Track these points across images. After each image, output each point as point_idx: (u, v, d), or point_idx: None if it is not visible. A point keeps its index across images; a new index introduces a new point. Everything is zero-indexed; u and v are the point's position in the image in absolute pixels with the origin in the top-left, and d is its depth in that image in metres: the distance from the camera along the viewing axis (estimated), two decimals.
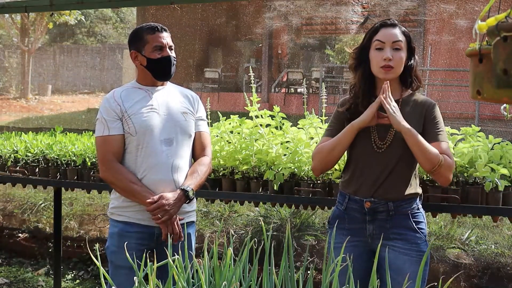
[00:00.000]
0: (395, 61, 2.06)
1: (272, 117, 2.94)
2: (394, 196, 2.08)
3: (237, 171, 2.91)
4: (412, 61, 2.13)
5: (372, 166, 2.10)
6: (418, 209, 2.13)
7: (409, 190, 2.09)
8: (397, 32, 2.10)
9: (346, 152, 2.22)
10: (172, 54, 2.34)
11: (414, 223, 2.09)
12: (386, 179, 2.08)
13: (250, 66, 3.55)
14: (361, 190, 2.12)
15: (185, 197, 2.23)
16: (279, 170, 2.72)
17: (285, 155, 2.80)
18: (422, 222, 2.12)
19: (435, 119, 2.10)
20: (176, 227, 2.23)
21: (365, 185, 2.10)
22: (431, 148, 2.03)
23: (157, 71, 2.33)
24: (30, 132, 3.96)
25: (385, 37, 2.08)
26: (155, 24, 2.33)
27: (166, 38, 2.32)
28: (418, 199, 2.14)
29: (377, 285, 1.31)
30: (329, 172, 2.70)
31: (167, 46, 2.31)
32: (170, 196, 2.20)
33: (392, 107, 2.02)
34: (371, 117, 2.06)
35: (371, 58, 2.11)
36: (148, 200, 2.18)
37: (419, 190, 2.16)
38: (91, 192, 4.20)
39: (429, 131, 2.09)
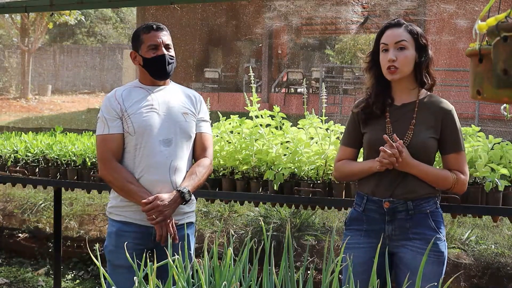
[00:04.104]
0: (399, 62, 2.05)
1: (272, 117, 2.94)
2: (413, 195, 2.07)
3: (237, 171, 2.91)
4: (423, 58, 2.10)
5: None
6: (437, 208, 2.12)
7: (427, 189, 2.08)
8: (401, 32, 2.08)
9: (362, 152, 2.24)
10: (169, 53, 2.31)
11: (433, 223, 2.08)
12: (404, 179, 2.07)
13: (250, 66, 3.55)
14: (379, 190, 2.10)
15: (181, 198, 2.21)
16: (279, 170, 2.72)
17: (285, 155, 2.80)
18: (440, 221, 2.11)
19: (453, 127, 2.09)
20: (171, 228, 2.21)
21: (383, 185, 2.09)
22: (443, 174, 2.07)
23: (153, 70, 2.31)
24: (30, 132, 3.96)
25: (388, 39, 2.08)
26: (152, 23, 2.32)
27: (162, 36, 2.30)
28: (436, 197, 2.13)
29: (377, 285, 1.31)
30: (329, 172, 2.70)
31: (163, 45, 2.29)
32: (166, 197, 2.18)
33: (392, 162, 2.00)
34: (378, 167, 2.06)
35: (380, 60, 2.12)
36: (143, 201, 2.16)
37: (437, 189, 2.14)
38: (91, 192, 4.20)
39: (447, 140, 2.08)
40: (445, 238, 2.12)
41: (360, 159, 2.29)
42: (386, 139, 2.02)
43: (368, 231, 2.12)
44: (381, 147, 2.02)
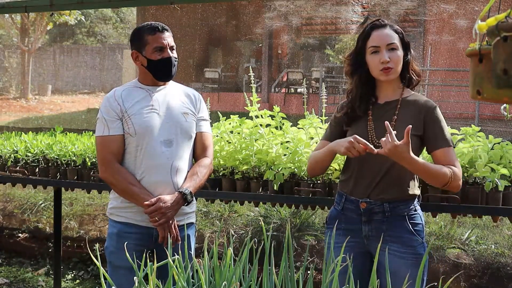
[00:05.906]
0: (393, 62, 2.05)
1: (272, 117, 2.94)
2: (390, 197, 2.06)
3: (237, 171, 2.91)
4: (408, 56, 2.11)
5: (369, 166, 2.08)
6: (415, 210, 2.10)
7: (406, 191, 2.07)
8: (389, 33, 2.08)
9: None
10: (173, 54, 2.30)
11: (410, 225, 2.06)
12: (382, 180, 2.06)
13: (250, 66, 3.55)
14: (357, 190, 2.10)
15: (183, 199, 2.21)
16: (279, 170, 2.72)
17: (285, 155, 2.80)
18: (419, 224, 2.09)
19: (438, 123, 2.06)
20: (173, 230, 2.21)
21: (361, 185, 2.09)
22: (439, 169, 2.00)
23: (158, 72, 2.30)
24: (30, 132, 3.96)
25: (379, 41, 2.06)
26: (156, 24, 2.29)
27: (167, 38, 2.29)
28: (415, 200, 2.12)
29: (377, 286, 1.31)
30: (329, 172, 2.70)
31: (168, 47, 2.28)
32: (168, 198, 2.18)
33: (388, 149, 1.93)
34: (343, 150, 2.00)
35: (368, 62, 2.10)
36: (146, 203, 2.15)
37: (417, 191, 2.12)
38: (91, 192, 4.20)
39: (434, 136, 2.06)
40: (424, 240, 2.09)
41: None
42: (387, 126, 1.94)
43: (346, 230, 2.11)
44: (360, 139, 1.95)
